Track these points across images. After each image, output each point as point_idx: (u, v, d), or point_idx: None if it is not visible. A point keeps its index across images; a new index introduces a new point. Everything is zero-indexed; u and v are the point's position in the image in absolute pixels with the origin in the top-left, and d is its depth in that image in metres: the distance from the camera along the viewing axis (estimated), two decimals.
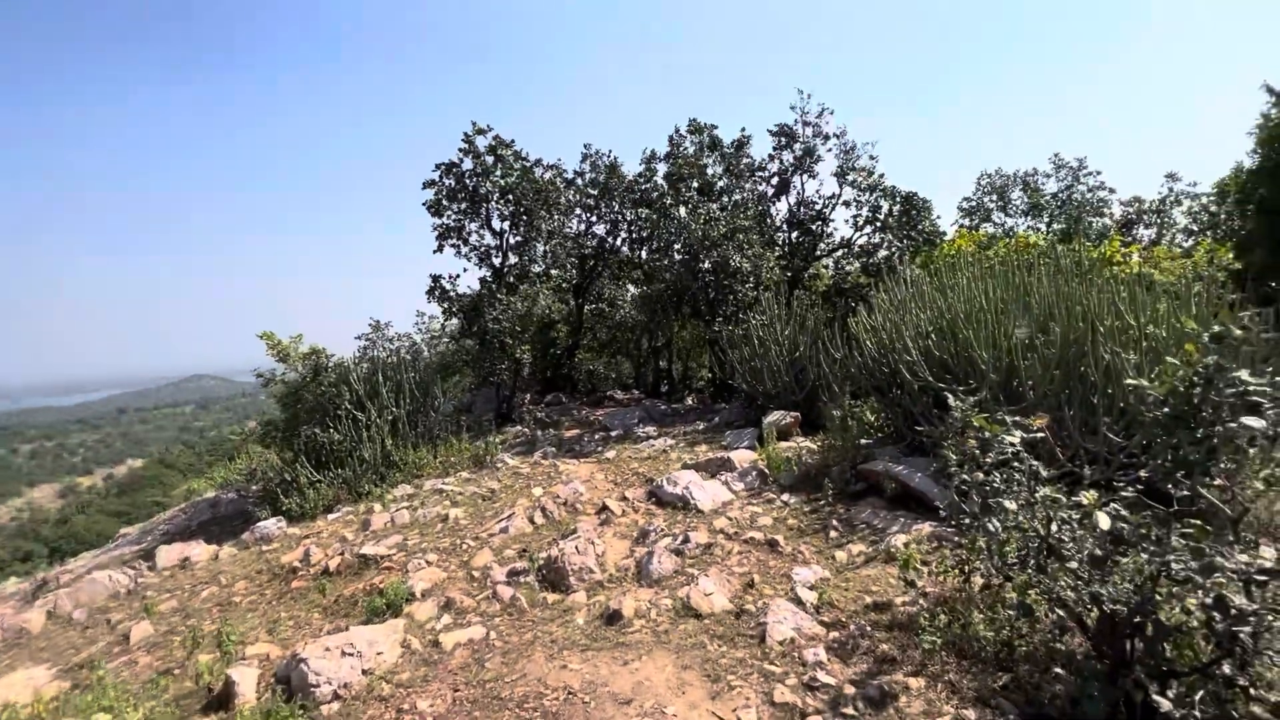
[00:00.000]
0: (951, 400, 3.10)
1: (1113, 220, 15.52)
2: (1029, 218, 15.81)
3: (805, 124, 11.55)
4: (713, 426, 8.12)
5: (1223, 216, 14.25)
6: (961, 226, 15.25)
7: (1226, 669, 2.19)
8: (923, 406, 5.28)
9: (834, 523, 4.43)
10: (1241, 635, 2.12)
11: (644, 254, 12.38)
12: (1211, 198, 14.69)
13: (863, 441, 5.50)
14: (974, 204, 16.18)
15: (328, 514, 6.45)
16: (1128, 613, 2.31)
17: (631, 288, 13.22)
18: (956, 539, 3.79)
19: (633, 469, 6.54)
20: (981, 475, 2.72)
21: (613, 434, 8.42)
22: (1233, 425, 2.28)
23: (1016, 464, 2.69)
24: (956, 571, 3.18)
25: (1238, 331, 2.35)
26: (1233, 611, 2.09)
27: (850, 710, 2.60)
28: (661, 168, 11.86)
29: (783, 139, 11.68)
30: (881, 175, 11.29)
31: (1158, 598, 2.31)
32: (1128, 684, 2.32)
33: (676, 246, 10.24)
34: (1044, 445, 3.77)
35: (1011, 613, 2.86)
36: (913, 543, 3.88)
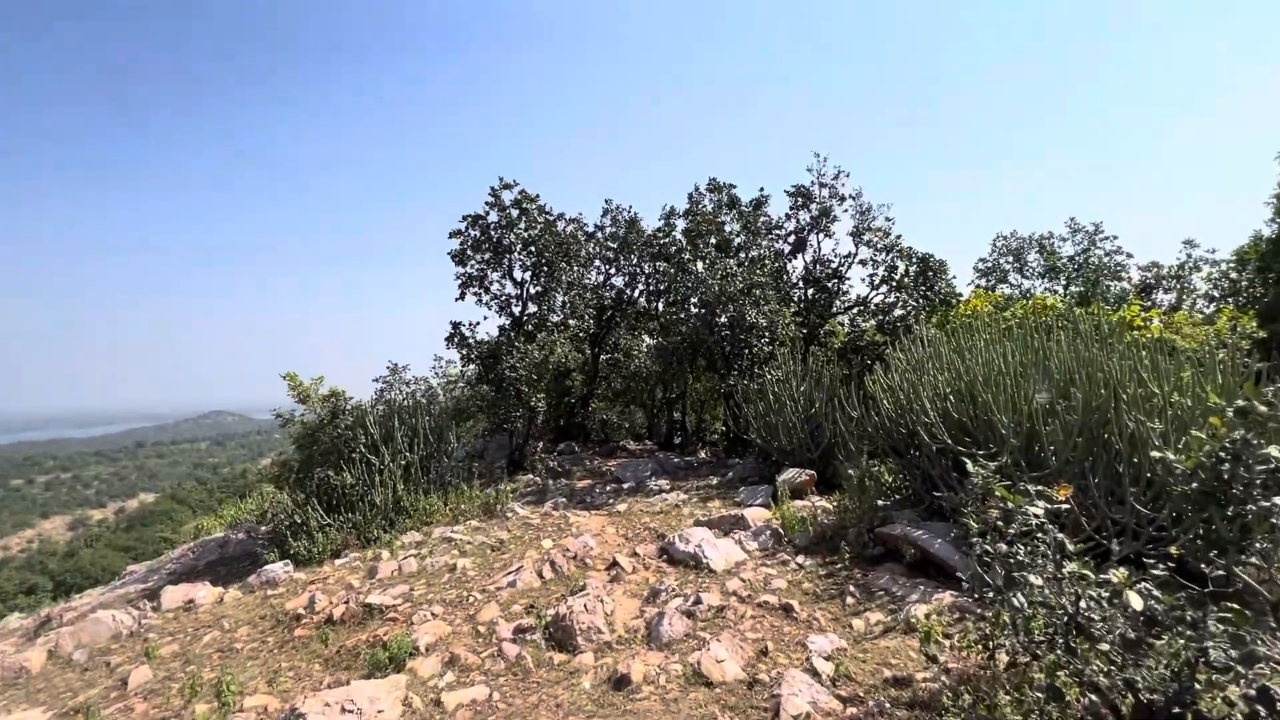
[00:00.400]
0: (971, 465, 3.05)
1: (1131, 285, 15.48)
2: (1045, 280, 15.84)
3: (821, 185, 11.84)
4: (726, 482, 8.00)
5: (1243, 284, 14.16)
6: (978, 287, 15.29)
7: None
8: (941, 469, 5.19)
9: (851, 588, 4.29)
10: None
11: (661, 306, 12.55)
12: (1231, 264, 14.63)
13: (880, 503, 5.38)
14: (990, 265, 16.27)
15: (335, 559, 6.39)
16: (1165, 702, 2.19)
17: (647, 339, 13.33)
18: (979, 611, 3.65)
19: (644, 523, 6.44)
20: (1005, 547, 2.65)
21: (625, 486, 8.33)
22: (1265, 504, 2.21)
23: (1041, 535, 2.62)
24: (980, 647, 3.05)
25: (1262, 407, 2.31)
26: (1278, 706, 1.98)
27: None
28: (680, 224, 12.15)
29: (799, 199, 11.95)
30: (898, 236, 11.45)
31: (1197, 686, 2.20)
32: None
33: (693, 300, 10.37)
34: (1069, 515, 3.67)
35: (1040, 695, 2.71)
36: (934, 613, 3.74)
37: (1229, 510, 2.32)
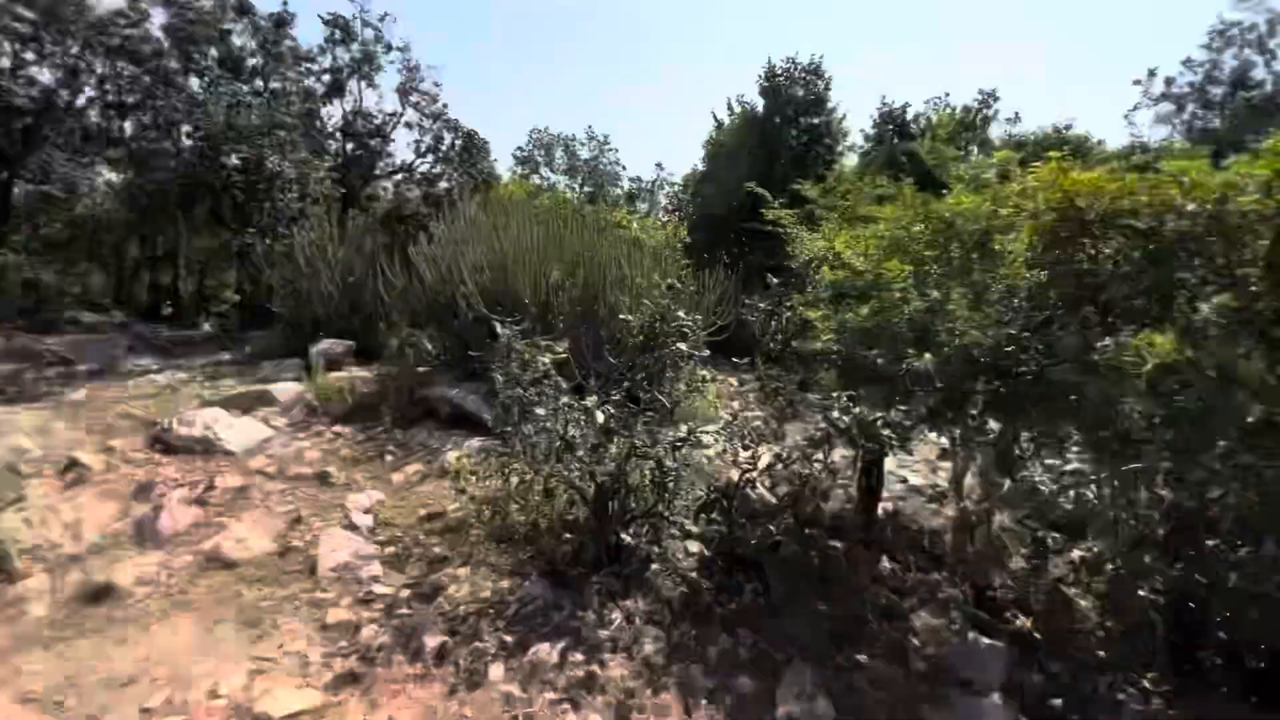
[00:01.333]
0: (500, 329, 3.54)
1: (622, 191, 19.62)
2: (568, 177, 18.50)
3: (365, 23, 10.44)
4: (244, 357, 6.93)
5: (684, 202, 19.77)
6: (515, 174, 16.71)
7: (661, 509, 3.29)
8: (477, 336, 5.76)
9: (390, 448, 4.49)
10: (668, 484, 3.22)
11: (129, 127, 9.15)
12: (679, 187, 20.15)
13: (421, 369, 5.65)
14: (526, 155, 17.89)
15: None
16: (610, 481, 3.19)
17: (108, 172, 9.67)
18: (501, 449, 4.39)
19: (121, 411, 5.03)
20: (521, 391, 3.24)
21: (82, 369, 6.23)
22: (672, 349, 3.36)
23: (547, 381, 3.31)
24: (499, 475, 3.71)
25: (678, 284, 3.43)
26: (664, 468, 3.15)
27: (404, 610, 2.81)
28: (160, 16, 8.85)
29: (337, 30, 10.28)
30: (445, 105, 11.28)
31: (628, 469, 3.27)
32: (610, 532, 3.24)
33: (187, 129, 7.96)
34: (567, 366, 4.68)
35: (537, 499, 3.54)
36: (464, 457, 4.28)
37: (655, 354, 3.44)
